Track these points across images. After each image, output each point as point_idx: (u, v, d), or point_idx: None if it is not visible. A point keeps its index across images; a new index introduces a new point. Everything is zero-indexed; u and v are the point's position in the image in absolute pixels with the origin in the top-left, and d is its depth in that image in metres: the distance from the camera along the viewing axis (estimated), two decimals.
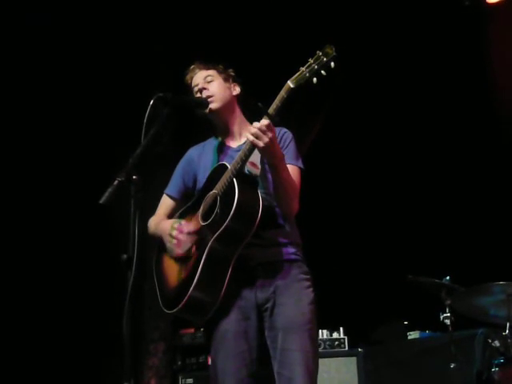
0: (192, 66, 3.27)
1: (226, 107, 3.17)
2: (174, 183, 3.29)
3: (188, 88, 3.26)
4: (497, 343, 4.39)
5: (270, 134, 2.74)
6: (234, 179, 2.85)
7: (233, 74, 3.27)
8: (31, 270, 5.99)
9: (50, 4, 5.83)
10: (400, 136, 6.64)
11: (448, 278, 4.61)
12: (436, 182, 6.55)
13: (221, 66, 3.26)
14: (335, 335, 5.40)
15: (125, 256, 2.37)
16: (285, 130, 3.17)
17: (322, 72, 2.73)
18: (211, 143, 3.27)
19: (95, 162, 6.00)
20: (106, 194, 2.41)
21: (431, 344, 5.30)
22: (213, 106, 3.13)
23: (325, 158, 6.65)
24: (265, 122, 2.76)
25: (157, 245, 3.18)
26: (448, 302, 4.57)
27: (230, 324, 2.92)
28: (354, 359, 5.23)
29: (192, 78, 3.24)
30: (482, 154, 6.39)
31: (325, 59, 2.71)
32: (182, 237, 2.98)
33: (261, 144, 2.75)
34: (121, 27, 6.22)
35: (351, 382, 5.15)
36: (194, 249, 2.97)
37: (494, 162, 6.29)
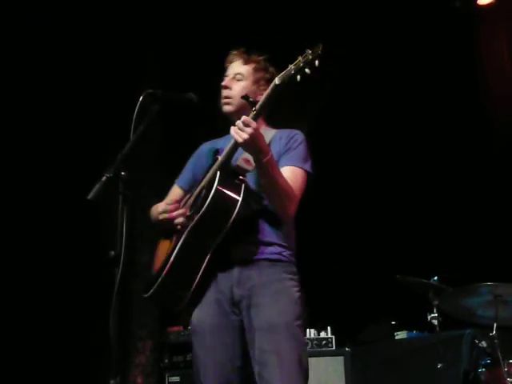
0: (234, 52, 3.23)
1: (241, 108, 3.09)
2: (184, 174, 3.31)
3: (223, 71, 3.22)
4: (484, 344, 4.40)
5: (248, 130, 2.71)
6: (218, 172, 2.87)
7: (269, 75, 3.15)
8: (17, 266, 5.96)
9: (50, 4, 5.83)
10: (390, 138, 6.64)
11: (436, 278, 4.61)
12: (425, 183, 6.56)
13: (261, 62, 3.19)
14: (323, 334, 5.40)
15: (112, 253, 2.37)
16: (296, 131, 3.13)
17: (306, 70, 2.71)
18: (225, 140, 3.23)
19: (83, 158, 5.98)
20: (94, 189, 2.41)
21: (418, 344, 5.31)
22: (226, 107, 3.13)
23: (318, 157, 6.64)
24: (244, 117, 2.74)
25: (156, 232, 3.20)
26: (436, 302, 4.57)
27: (211, 318, 2.91)
28: (341, 359, 5.22)
29: (230, 63, 3.21)
30: (471, 155, 6.40)
31: (310, 57, 2.70)
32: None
33: (239, 139, 2.73)
34: (112, 24, 6.21)
35: (338, 381, 5.15)
36: (174, 238, 2.99)
37: (483, 164, 6.30)
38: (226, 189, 2.84)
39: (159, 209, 3.07)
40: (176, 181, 3.33)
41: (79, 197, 2.52)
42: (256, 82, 3.16)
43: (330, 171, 6.64)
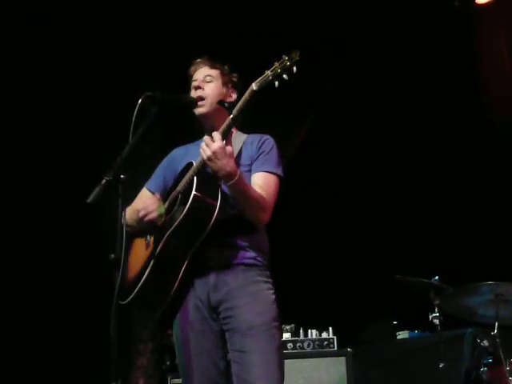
0: (198, 60, 3.25)
1: (215, 112, 3.14)
2: (155, 179, 3.29)
3: (188, 79, 3.24)
4: (485, 343, 4.39)
5: (213, 147, 2.76)
6: (195, 177, 2.87)
7: (235, 79, 3.25)
8: (17, 269, 5.95)
9: (51, 4, 5.83)
10: (390, 137, 6.64)
11: (437, 277, 4.61)
12: (425, 182, 6.56)
13: (226, 68, 3.24)
14: (324, 335, 5.39)
15: (112, 256, 2.37)
16: (267, 136, 3.15)
17: (284, 76, 2.72)
18: (198, 144, 3.26)
19: (83, 161, 5.97)
20: (94, 193, 2.41)
21: (420, 344, 5.32)
22: (200, 109, 3.13)
23: (318, 156, 6.66)
24: (213, 133, 2.79)
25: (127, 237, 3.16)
26: (437, 301, 4.57)
27: (191, 324, 2.93)
28: (343, 359, 5.21)
29: (195, 71, 3.22)
30: (471, 154, 6.40)
31: (288, 63, 2.71)
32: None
33: (204, 156, 2.79)
34: (111, 25, 6.21)
35: (340, 381, 5.14)
36: (152, 242, 2.99)
37: (482, 163, 6.30)
38: (203, 194, 2.84)
39: (139, 206, 3.04)
40: (145, 184, 3.30)
41: (79, 200, 2.52)
42: (225, 83, 3.20)
43: (330, 171, 6.66)
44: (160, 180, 3.26)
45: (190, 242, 2.87)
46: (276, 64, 2.75)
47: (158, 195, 3.07)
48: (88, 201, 2.40)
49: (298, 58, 2.71)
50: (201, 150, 2.81)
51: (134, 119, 2.67)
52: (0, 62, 5.84)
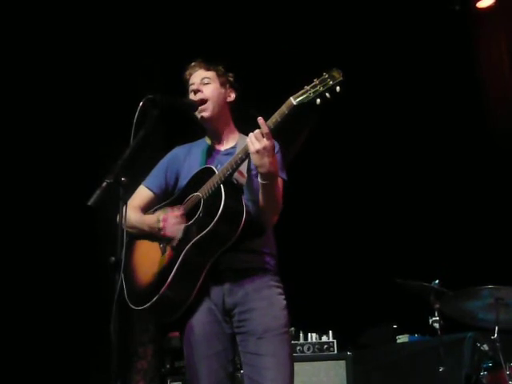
0: (193, 63, 3.25)
1: (217, 113, 3.15)
2: (155, 177, 3.25)
3: (184, 83, 3.24)
4: (485, 347, 4.39)
5: (265, 142, 2.72)
6: (222, 186, 2.84)
7: (231, 79, 3.25)
8: (18, 271, 5.95)
9: (50, 5, 5.84)
10: (390, 140, 6.65)
11: (437, 281, 4.60)
12: (425, 186, 6.57)
13: (221, 69, 3.24)
14: (324, 338, 5.39)
15: (113, 258, 2.37)
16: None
17: (327, 95, 2.68)
18: (200, 145, 3.26)
19: (83, 164, 5.98)
20: (95, 195, 2.41)
21: (420, 348, 5.31)
22: (204, 114, 3.12)
23: (319, 159, 6.66)
24: (264, 129, 2.73)
25: (129, 238, 3.04)
26: (437, 305, 4.56)
27: (203, 327, 2.93)
28: (343, 363, 5.21)
29: (190, 75, 3.22)
30: (470, 158, 6.41)
31: (331, 82, 2.68)
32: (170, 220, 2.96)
33: (252, 148, 2.73)
34: (111, 27, 6.21)
35: None
36: (169, 248, 2.97)
37: (482, 167, 6.31)
38: (232, 204, 2.83)
39: (159, 217, 3.01)
40: (144, 182, 3.25)
41: (79, 202, 2.52)
42: (223, 84, 3.20)
43: (330, 175, 6.66)
44: (161, 180, 3.22)
45: (212, 252, 2.87)
46: (316, 81, 2.70)
47: (182, 210, 3.00)
48: (89, 203, 2.40)
49: (341, 79, 2.68)
50: (248, 140, 2.75)
51: (135, 122, 2.67)
52: (2, 66, 5.85)
